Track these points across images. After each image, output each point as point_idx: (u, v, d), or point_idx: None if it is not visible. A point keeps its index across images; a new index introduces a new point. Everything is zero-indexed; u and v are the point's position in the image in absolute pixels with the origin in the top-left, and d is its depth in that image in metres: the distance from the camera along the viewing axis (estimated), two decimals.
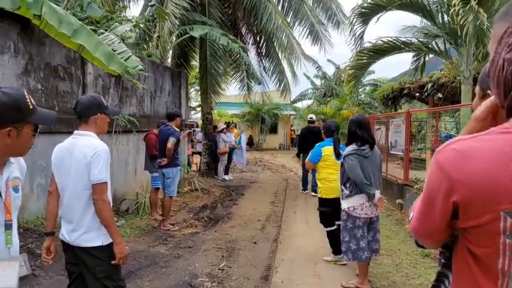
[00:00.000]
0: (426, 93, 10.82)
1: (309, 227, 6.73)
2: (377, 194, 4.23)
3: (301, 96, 28.02)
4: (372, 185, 4.18)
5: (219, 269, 4.87)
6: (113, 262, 2.55)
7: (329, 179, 4.92)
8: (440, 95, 10.20)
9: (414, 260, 5.20)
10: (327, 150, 4.98)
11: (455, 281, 1.15)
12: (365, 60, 7.16)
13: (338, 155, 4.77)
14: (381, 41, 6.90)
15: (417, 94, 11.87)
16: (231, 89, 19.21)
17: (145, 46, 10.94)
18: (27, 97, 1.74)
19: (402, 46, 6.84)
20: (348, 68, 7.34)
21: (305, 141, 9.21)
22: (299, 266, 4.90)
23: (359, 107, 15.20)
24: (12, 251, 1.75)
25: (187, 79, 10.90)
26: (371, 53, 7.02)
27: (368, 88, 25.03)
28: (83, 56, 5.97)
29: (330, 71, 28.85)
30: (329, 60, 32.94)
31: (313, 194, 9.09)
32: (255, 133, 28.05)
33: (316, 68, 27.90)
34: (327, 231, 5.11)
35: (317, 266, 4.87)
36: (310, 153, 5.20)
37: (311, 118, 10.31)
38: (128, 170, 7.86)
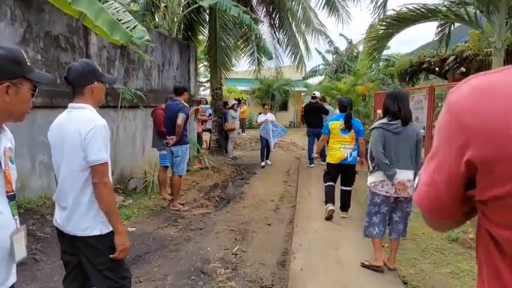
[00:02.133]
0: (447, 68, 10.22)
1: (323, 208, 6.35)
2: (404, 175, 3.87)
3: (313, 72, 27.28)
4: (395, 163, 3.87)
5: (232, 254, 4.56)
6: (112, 256, 2.21)
7: (333, 148, 5.80)
8: (463, 69, 9.62)
9: (441, 246, 4.84)
10: (334, 124, 5.82)
11: (479, 274, 0.85)
12: (387, 30, 6.63)
13: (349, 129, 5.70)
14: (406, 8, 6.36)
15: (437, 69, 11.29)
16: (241, 65, 18.71)
17: (151, 18, 10.46)
18: (24, 54, 1.62)
19: (429, 14, 6.28)
20: (368, 39, 6.81)
21: (307, 116, 10.45)
22: (318, 251, 4.56)
23: (374, 82, 14.59)
24: (18, 222, 1.65)
25: (196, 52, 10.43)
26: (394, 22, 6.47)
27: (381, 64, 24.24)
28: (85, 25, 5.57)
29: (342, 46, 28.00)
30: (341, 35, 32.10)
31: (322, 163, 9.66)
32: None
33: (328, 42, 26.97)
34: (325, 185, 5.95)
35: (338, 252, 4.52)
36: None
37: (314, 94, 10.87)
38: (135, 146, 7.53)
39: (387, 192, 3.93)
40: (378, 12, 6.73)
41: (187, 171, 8.92)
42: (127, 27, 6.13)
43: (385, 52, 24.38)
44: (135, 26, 6.24)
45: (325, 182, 5.96)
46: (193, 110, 7.36)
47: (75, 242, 2.25)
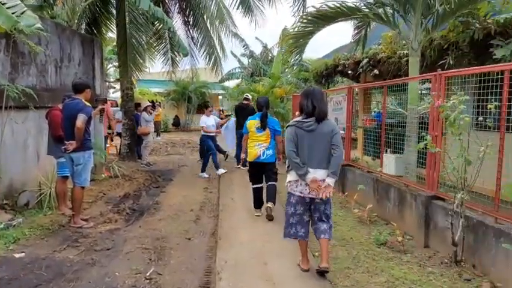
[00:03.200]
0: (361, 70, 10.42)
1: (250, 216, 5.89)
2: (318, 174, 3.69)
3: (229, 75, 26.96)
4: (309, 162, 3.70)
5: (146, 279, 3.86)
6: None
7: (250, 146, 5.99)
8: (376, 71, 9.84)
9: (371, 251, 4.62)
10: (250, 123, 5.99)
11: None
12: (308, 28, 6.38)
13: (264, 127, 5.85)
14: (326, 5, 6.16)
15: (350, 72, 11.50)
16: (155, 66, 17.76)
17: (49, 12, 9.22)
18: None
19: (349, 12, 6.15)
20: (289, 36, 6.51)
21: (237, 118, 10.37)
22: (246, 267, 4.04)
23: (291, 85, 14.58)
24: None
25: (102, 48, 9.36)
26: (315, 19, 6.25)
27: (295, 68, 24.71)
28: None
29: (257, 50, 28.10)
30: (256, 38, 32.39)
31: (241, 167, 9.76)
32: (181, 113, 26.59)
33: (244, 46, 27.06)
34: (252, 188, 6.06)
35: (268, 267, 4.04)
36: None
37: (246, 96, 10.94)
38: (28, 154, 6.38)
39: (301, 192, 3.81)
40: (298, 7, 6.47)
41: (93, 180, 7.92)
42: (13, 13, 5.15)
43: (290, 59, 25.00)
44: (23, 12, 5.28)
45: (252, 184, 6.06)
46: (97, 110, 6.43)
47: None
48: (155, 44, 12.90)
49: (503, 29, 5.73)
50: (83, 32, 10.50)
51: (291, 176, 3.82)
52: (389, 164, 6.31)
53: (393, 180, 5.86)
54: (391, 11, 6.33)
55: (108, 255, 4.50)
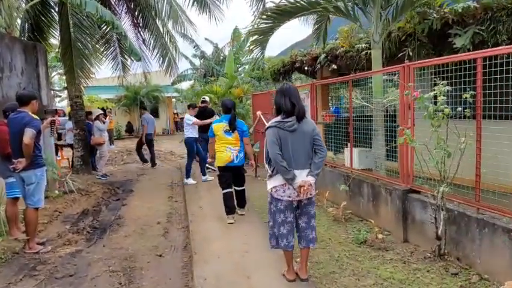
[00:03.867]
0: (319, 66, 10.38)
1: (223, 224, 5.57)
2: (303, 175, 3.49)
3: (181, 77, 26.32)
4: (294, 164, 3.48)
5: None
6: None
7: (219, 150, 5.69)
8: (334, 66, 9.84)
9: (353, 251, 4.49)
10: (217, 126, 5.71)
11: None
12: (269, 24, 6.18)
13: (233, 130, 5.63)
14: (286, 0, 5.99)
15: (307, 68, 11.46)
16: (103, 72, 16.95)
17: None
18: None
19: (309, 6, 6.02)
20: (251, 33, 6.28)
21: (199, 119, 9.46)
22: (229, 283, 3.75)
23: (248, 84, 14.38)
24: None
25: (46, 55, 8.68)
26: (275, 15, 6.06)
27: (247, 67, 24.59)
28: None
29: (208, 50, 27.73)
30: (206, 39, 31.92)
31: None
32: (134, 119, 25.67)
33: (194, 47, 26.61)
34: (222, 193, 5.71)
35: (252, 281, 3.78)
36: None
37: (204, 98, 10.38)
38: None
39: (289, 196, 3.55)
40: (257, 4, 6.26)
41: (46, 198, 7.30)
42: None
43: (251, 56, 24.89)
44: None
45: (222, 189, 5.76)
46: (47, 122, 5.86)
47: None
48: (102, 49, 12.20)
49: (461, 18, 5.80)
50: (24, 38, 9.73)
51: (277, 181, 3.54)
52: (355, 158, 6.27)
53: (366, 175, 5.79)
54: (350, 4, 6.26)
55: (72, 282, 4.07)
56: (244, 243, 4.71)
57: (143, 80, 14.92)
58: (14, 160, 4.75)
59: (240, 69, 23.80)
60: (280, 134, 3.46)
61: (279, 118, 3.53)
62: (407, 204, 4.72)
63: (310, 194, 3.56)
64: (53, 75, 24.17)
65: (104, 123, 10.72)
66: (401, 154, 4.93)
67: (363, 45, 8.00)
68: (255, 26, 6.26)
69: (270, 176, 3.62)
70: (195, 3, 10.25)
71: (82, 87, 10.90)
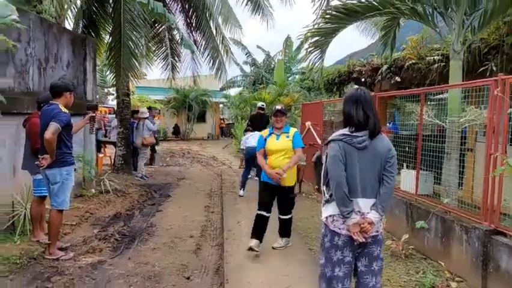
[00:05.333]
0: (380, 77, 9.54)
1: (262, 247, 4.82)
2: (367, 206, 2.69)
3: (231, 83, 26.24)
4: (361, 191, 2.68)
5: None
6: None
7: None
8: (398, 78, 8.96)
9: None
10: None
11: None
12: (332, 25, 5.49)
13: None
14: None
15: (363, 79, 10.63)
16: (154, 73, 16.97)
17: (37, 5, 8.33)
18: None
19: (380, 7, 5.28)
20: (311, 33, 5.59)
21: (254, 127, 9.37)
22: None
23: (299, 93, 13.72)
24: None
25: (95, 48, 8.48)
26: (341, 15, 5.36)
27: (297, 77, 23.99)
28: None
29: (259, 58, 27.53)
30: (258, 47, 31.73)
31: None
32: (181, 121, 25.73)
33: (246, 54, 26.49)
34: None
35: None
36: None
37: (262, 105, 10.37)
38: (1, 167, 5.45)
39: (349, 230, 2.69)
40: (320, 1, 5.59)
41: (81, 196, 7.01)
42: None
43: (301, 65, 24.27)
44: None
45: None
46: (87, 118, 5.42)
47: None
48: (154, 48, 12.04)
49: None
50: (79, 31, 9.65)
51: (334, 209, 2.76)
52: (421, 182, 5.44)
53: (433, 204, 4.90)
54: (429, 8, 5.44)
55: None
56: (284, 275, 3.99)
57: (193, 83, 14.70)
58: (39, 156, 4.35)
59: (289, 78, 23.24)
60: (347, 150, 2.70)
61: (346, 131, 2.76)
62: (489, 248, 3.82)
63: (376, 232, 2.75)
64: (107, 73, 24.72)
65: (154, 123, 10.52)
66: (485, 185, 4.04)
67: (436, 57, 7.10)
68: (316, 27, 5.57)
69: (327, 201, 2.81)
70: (249, 2, 9.77)
71: (131, 87, 10.73)
